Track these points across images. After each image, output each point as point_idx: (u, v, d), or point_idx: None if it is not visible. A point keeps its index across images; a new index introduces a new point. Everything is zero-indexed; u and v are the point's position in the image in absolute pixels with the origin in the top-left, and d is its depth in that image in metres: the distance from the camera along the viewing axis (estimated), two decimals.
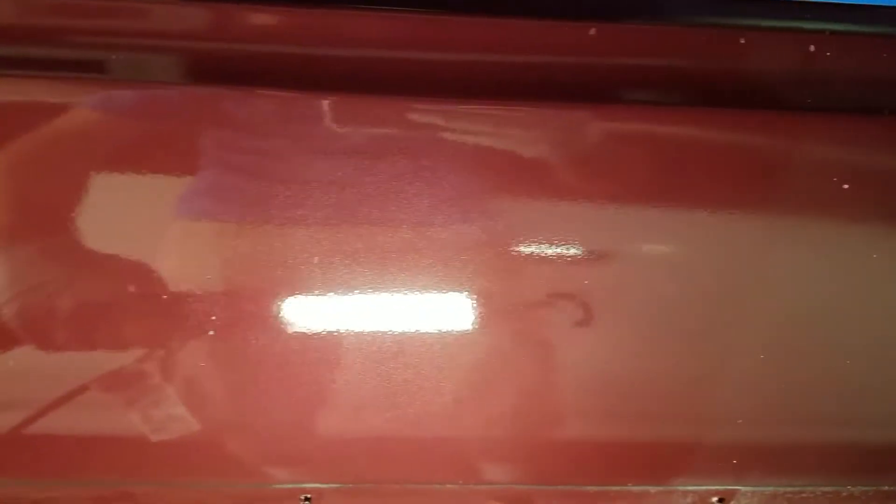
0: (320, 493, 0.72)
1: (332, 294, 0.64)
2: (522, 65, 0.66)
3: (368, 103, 0.64)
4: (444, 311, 0.66)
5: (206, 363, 0.64)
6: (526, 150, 0.65)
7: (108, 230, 0.63)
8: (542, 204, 0.66)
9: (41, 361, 0.64)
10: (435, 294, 0.66)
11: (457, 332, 0.67)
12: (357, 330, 0.66)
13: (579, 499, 0.74)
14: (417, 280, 0.65)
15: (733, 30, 0.64)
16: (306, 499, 0.72)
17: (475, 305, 0.66)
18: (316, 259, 0.63)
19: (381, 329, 0.66)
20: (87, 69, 0.63)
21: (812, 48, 0.65)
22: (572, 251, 0.66)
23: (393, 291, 0.65)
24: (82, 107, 0.63)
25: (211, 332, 0.63)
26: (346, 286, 0.64)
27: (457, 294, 0.66)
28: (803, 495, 0.76)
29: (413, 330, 0.66)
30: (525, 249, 0.65)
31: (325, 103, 0.63)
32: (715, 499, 0.75)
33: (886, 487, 0.76)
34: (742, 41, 0.64)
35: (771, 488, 0.75)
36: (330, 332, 0.65)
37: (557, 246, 0.65)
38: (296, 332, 0.65)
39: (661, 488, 0.74)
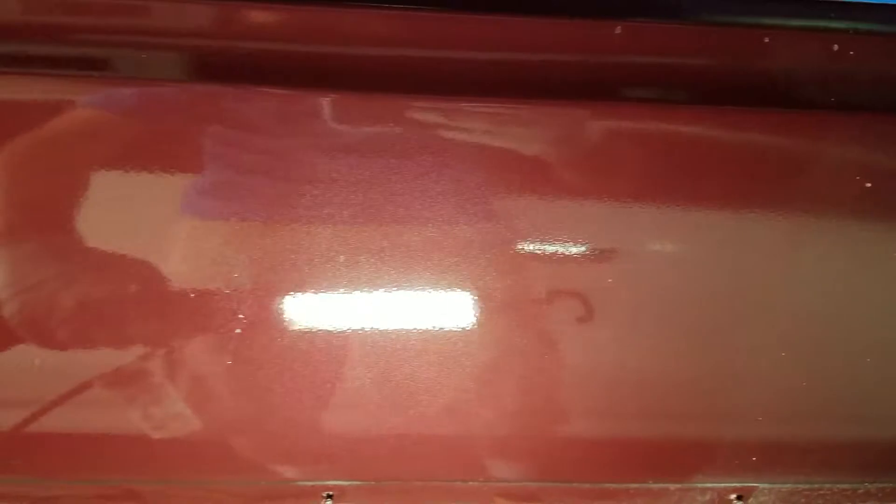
0: (342, 490, 0.72)
1: (356, 292, 0.65)
2: (554, 63, 0.66)
3: (393, 102, 0.64)
4: (465, 310, 0.66)
5: (233, 361, 0.64)
6: (552, 148, 0.65)
7: (126, 228, 0.63)
8: (568, 202, 0.66)
9: (56, 360, 0.64)
10: (456, 292, 0.66)
11: (480, 330, 0.67)
12: (381, 328, 0.66)
13: (599, 496, 0.75)
14: (441, 278, 0.65)
15: (757, 29, 0.64)
16: (328, 496, 0.72)
17: (498, 303, 0.66)
18: (342, 258, 0.63)
19: (404, 327, 0.66)
20: (91, 67, 0.63)
21: (836, 47, 0.65)
22: (599, 249, 0.66)
23: (416, 289, 0.65)
24: (92, 105, 0.63)
25: (238, 331, 0.63)
26: (371, 284, 0.64)
27: (479, 292, 0.66)
28: (821, 492, 0.77)
29: (436, 328, 0.66)
30: (551, 248, 0.66)
31: (351, 102, 0.63)
32: (733, 496, 0.76)
33: None
34: (766, 40, 0.64)
35: (789, 485, 0.76)
36: (354, 331, 0.66)
37: (586, 244, 0.66)
38: (320, 331, 0.65)
39: (680, 485, 0.74)
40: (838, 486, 0.76)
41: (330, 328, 0.66)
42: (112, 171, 0.62)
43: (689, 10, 0.65)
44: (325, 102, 0.63)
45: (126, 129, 0.62)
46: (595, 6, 0.64)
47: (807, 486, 0.76)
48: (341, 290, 0.65)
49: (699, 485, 0.74)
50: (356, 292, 0.65)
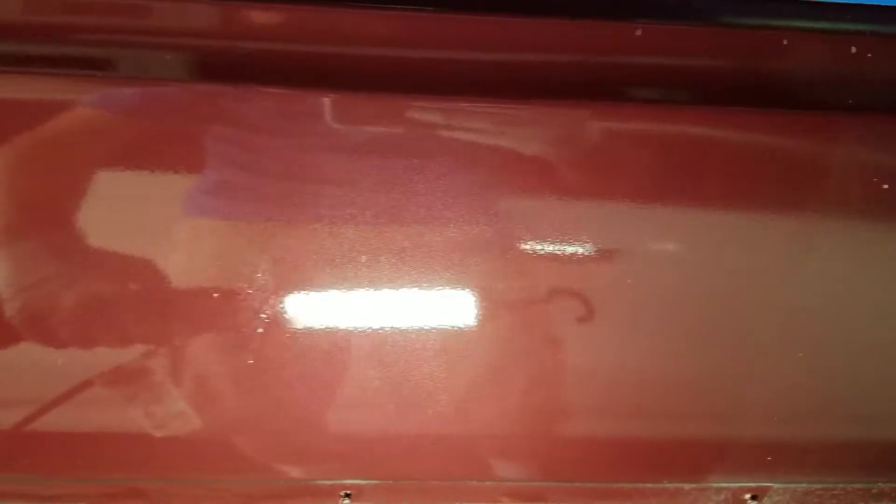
0: (360, 489, 0.72)
1: (376, 292, 0.65)
2: (566, 63, 0.67)
3: (397, 103, 0.64)
4: (483, 311, 0.67)
5: (255, 360, 0.64)
6: (573, 149, 0.65)
7: (147, 229, 0.64)
8: (583, 202, 0.66)
9: (65, 359, 0.65)
10: (476, 293, 0.66)
11: (500, 330, 0.67)
12: (400, 328, 0.66)
13: (614, 496, 0.75)
14: (460, 279, 0.66)
15: (776, 31, 0.65)
16: (346, 494, 0.72)
17: (517, 304, 0.67)
18: (363, 258, 0.63)
19: (425, 327, 0.66)
20: (94, 67, 0.63)
21: (853, 49, 0.66)
22: (618, 249, 0.67)
23: (437, 290, 0.66)
24: (104, 104, 0.63)
25: (260, 330, 0.63)
26: (392, 284, 0.65)
27: (500, 293, 0.66)
28: (834, 492, 0.77)
29: (455, 328, 0.67)
30: (572, 248, 0.66)
31: (372, 104, 0.64)
32: (748, 495, 0.76)
33: None
34: (785, 42, 0.65)
35: (803, 485, 0.76)
36: (373, 330, 0.66)
37: (607, 244, 0.66)
38: (340, 330, 0.66)
39: (695, 485, 0.75)
40: (852, 485, 0.77)
41: (349, 328, 0.66)
42: (133, 170, 0.63)
43: (705, 12, 0.65)
44: (341, 103, 0.63)
45: (157, 128, 0.63)
46: (598, 7, 0.65)
47: (821, 486, 0.76)
48: (362, 290, 0.65)
49: (714, 484, 0.75)
50: (376, 292, 0.65)
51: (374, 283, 0.65)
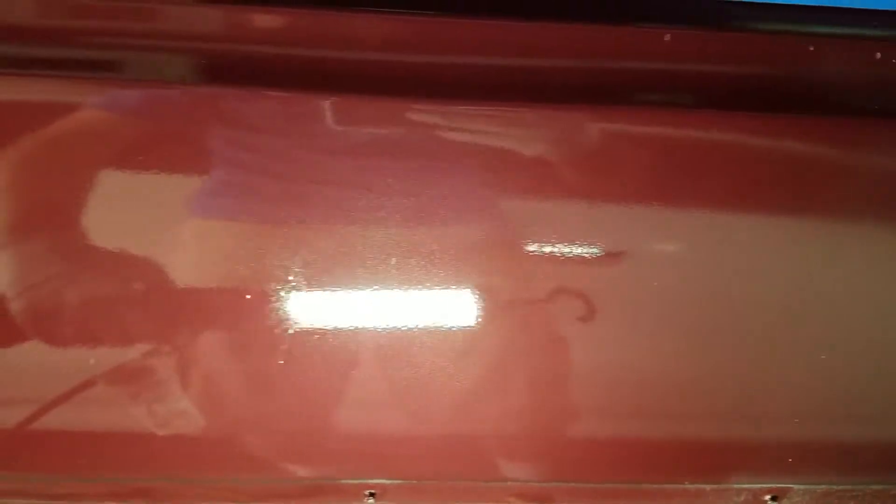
0: (384, 489, 0.73)
1: (405, 293, 0.66)
2: (572, 69, 0.67)
3: (419, 107, 0.65)
4: (505, 312, 0.67)
5: (285, 360, 0.65)
6: (595, 153, 0.66)
7: (148, 229, 0.64)
8: (602, 205, 0.67)
9: (71, 358, 0.65)
10: (500, 296, 0.67)
11: (525, 331, 0.68)
12: (429, 328, 0.67)
13: (636, 496, 0.76)
14: (487, 281, 0.66)
15: (802, 37, 0.65)
16: (371, 494, 0.73)
17: (534, 305, 0.67)
18: (393, 259, 0.64)
19: (452, 328, 0.67)
20: (101, 69, 0.64)
21: (878, 55, 0.66)
22: (632, 249, 0.67)
23: (464, 291, 0.66)
24: (116, 106, 0.64)
25: (290, 332, 0.64)
26: (421, 286, 0.65)
27: (522, 294, 0.67)
28: (853, 493, 0.78)
29: (481, 329, 0.67)
30: (592, 250, 0.66)
31: (376, 107, 0.64)
32: (768, 496, 0.77)
33: None
34: (811, 48, 0.65)
35: (823, 486, 0.76)
36: (402, 331, 0.66)
37: (623, 245, 0.67)
38: (368, 332, 0.66)
39: (716, 486, 0.75)
40: (871, 486, 0.77)
41: (376, 329, 0.67)
42: (142, 171, 0.63)
43: (732, 18, 0.66)
44: (344, 106, 0.64)
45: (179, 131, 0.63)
46: (603, 11, 0.65)
47: (840, 487, 0.77)
48: (391, 291, 0.65)
49: (735, 485, 0.75)
50: (405, 293, 0.66)
51: (403, 283, 0.65)
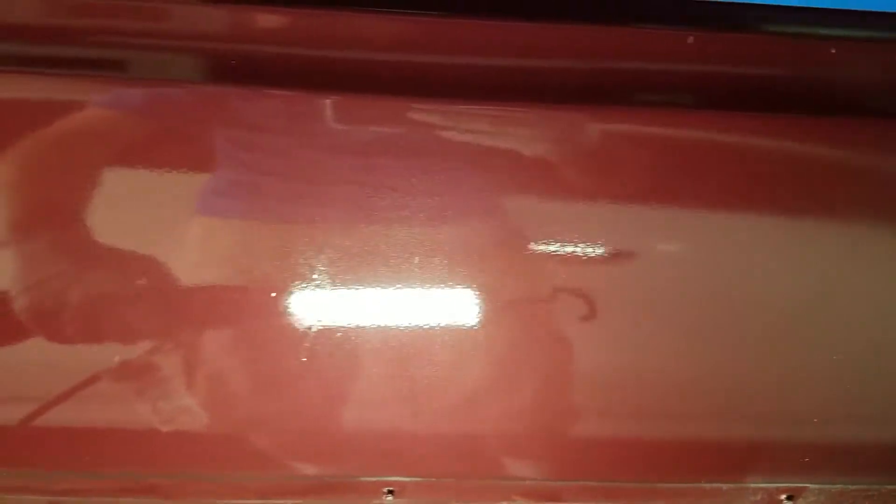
0: (402, 486, 0.73)
1: (425, 292, 0.66)
2: (578, 69, 0.68)
3: (422, 107, 0.65)
4: (524, 312, 0.68)
5: (308, 359, 0.65)
6: (595, 154, 0.66)
7: (153, 227, 0.64)
8: (614, 205, 0.67)
9: (78, 356, 0.66)
10: (521, 294, 0.67)
11: (540, 330, 0.68)
12: (447, 327, 0.67)
13: (654, 495, 0.76)
14: (502, 281, 0.67)
15: (802, 37, 0.66)
16: (389, 491, 0.73)
17: (547, 303, 0.67)
18: (416, 259, 0.64)
19: (474, 326, 0.67)
20: (105, 67, 0.65)
21: (878, 56, 0.66)
22: (641, 249, 0.67)
23: (482, 292, 0.67)
24: (117, 105, 0.64)
25: (314, 331, 0.64)
26: (443, 284, 0.66)
27: (539, 295, 0.67)
28: (869, 493, 0.78)
29: (505, 328, 0.68)
30: (603, 250, 0.67)
31: (379, 107, 0.65)
32: (784, 496, 0.77)
33: None
34: (811, 48, 0.66)
35: (839, 486, 0.77)
36: (422, 329, 0.67)
37: (630, 245, 0.67)
38: (390, 331, 0.66)
39: (732, 485, 0.76)
40: (886, 486, 0.77)
41: (396, 327, 0.67)
42: (148, 169, 0.63)
43: (752, 21, 0.66)
44: (347, 105, 0.64)
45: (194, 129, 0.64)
46: (604, 11, 0.65)
47: (855, 487, 0.77)
48: (413, 290, 0.66)
49: (751, 485, 0.76)
50: (426, 292, 0.66)
51: (425, 282, 0.66)
